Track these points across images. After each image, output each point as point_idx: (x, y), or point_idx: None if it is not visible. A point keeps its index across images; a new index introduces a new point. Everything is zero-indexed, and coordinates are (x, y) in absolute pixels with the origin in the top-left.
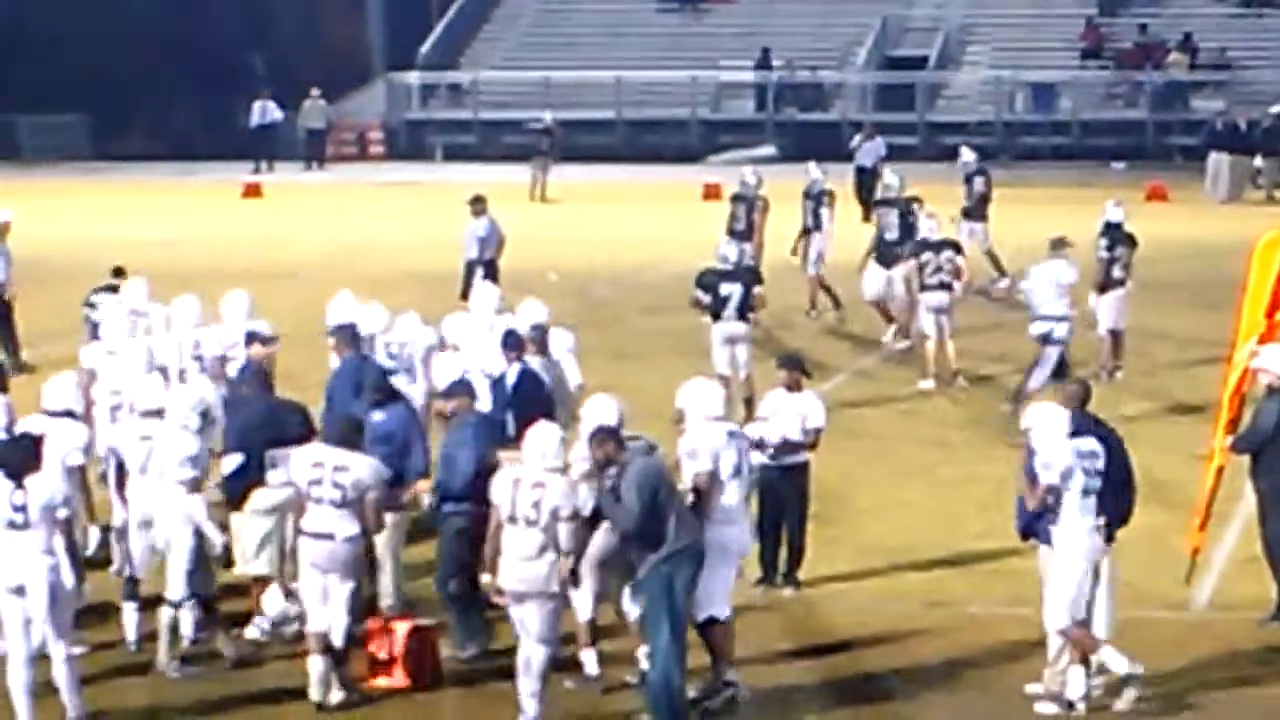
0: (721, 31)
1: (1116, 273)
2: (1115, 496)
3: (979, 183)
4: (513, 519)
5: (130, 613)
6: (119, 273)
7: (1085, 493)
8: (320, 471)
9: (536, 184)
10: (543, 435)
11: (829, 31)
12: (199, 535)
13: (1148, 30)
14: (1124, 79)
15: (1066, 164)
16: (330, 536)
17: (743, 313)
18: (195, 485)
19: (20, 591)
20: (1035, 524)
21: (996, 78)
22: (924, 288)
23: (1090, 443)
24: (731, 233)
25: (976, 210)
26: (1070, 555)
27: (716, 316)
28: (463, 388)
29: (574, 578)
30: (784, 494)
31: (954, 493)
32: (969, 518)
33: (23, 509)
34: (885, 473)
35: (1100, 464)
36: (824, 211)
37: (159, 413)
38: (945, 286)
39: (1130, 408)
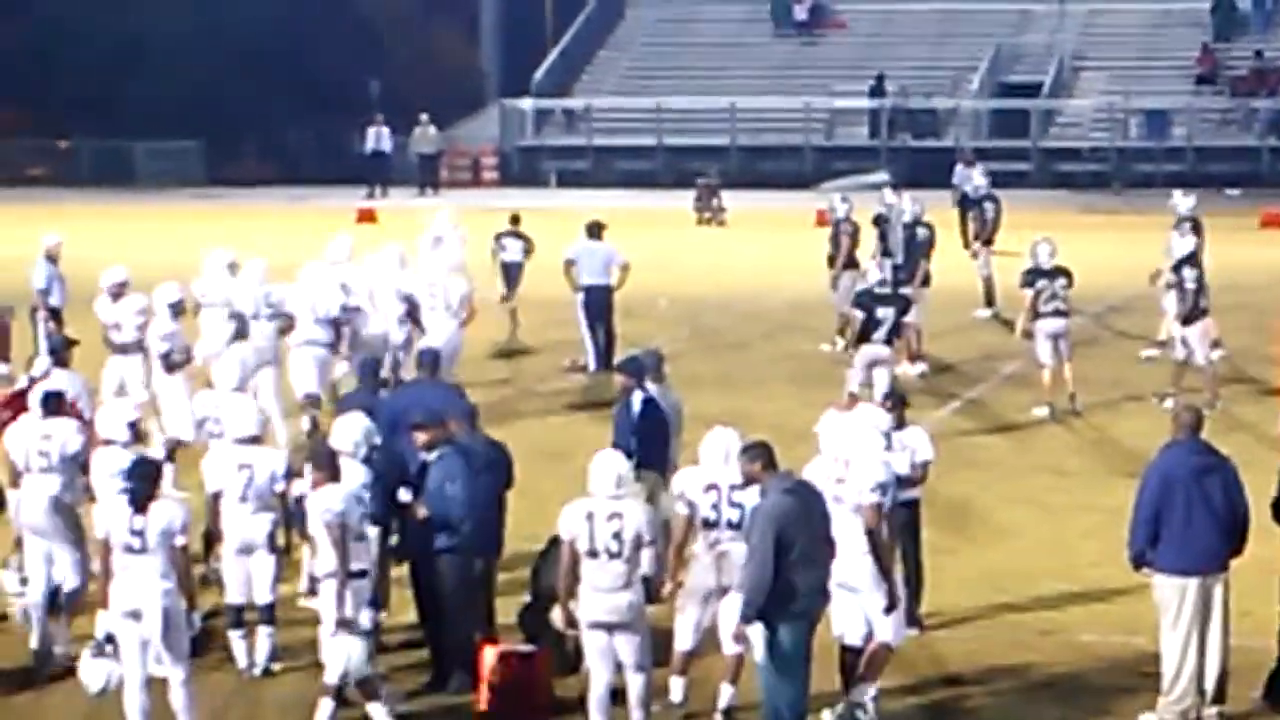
0: (835, 58)
1: (1202, 303)
2: (1229, 526)
3: (989, 208)
4: (593, 553)
5: (237, 640)
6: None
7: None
8: None
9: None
10: (609, 463)
11: (943, 58)
12: None
13: (1263, 56)
14: (1239, 105)
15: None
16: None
17: (890, 338)
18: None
19: (136, 616)
20: (1148, 552)
21: (1110, 104)
22: (1039, 315)
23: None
24: (886, 255)
25: (985, 235)
26: None
27: (865, 338)
28: (431, 418)
29: (655, 597)
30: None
31: (1067, 520)
32: (1082, 545)
33: (141, 534)
34: (998, 500)
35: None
36: (843, 240)
37: (255, 440)
38: (1061, 314)
39: (1242, 435)
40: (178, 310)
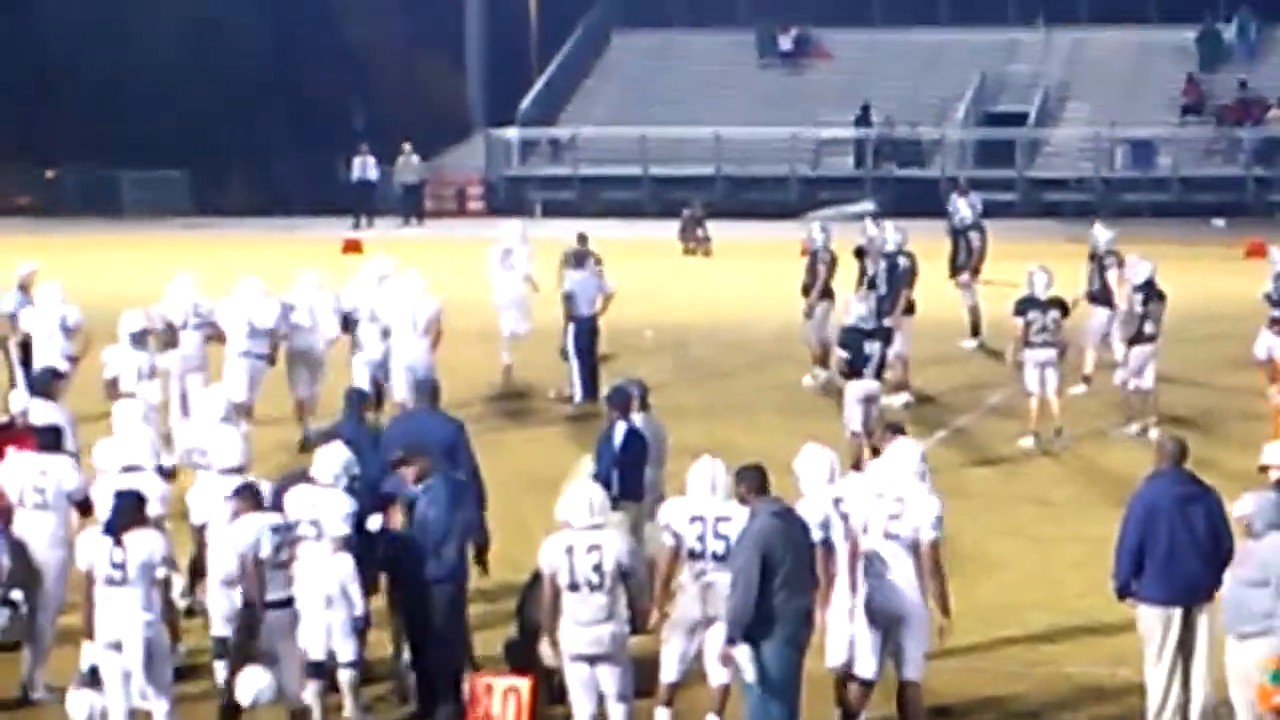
0: (821, 88)
1: (1148, 329)
2: (1213, 556)
3: (974, 238)
4: (574, 585)
5: (221, 670)
6: None
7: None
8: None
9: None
10: (583, 493)
11: (928, 88)
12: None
13: (1248, 86)
14: (1224, 135)
15: (1166, 221)
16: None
17: (879, 372)
18: (346, 544)
19: (118, 647)
20: (1132, 583)
21: (1096, 134)
22: (1029, 344)
23: None
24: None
25: (969, 266)
26: None
27: (856, 374)
28: (414, 450)
29: (640, 628)
30: None
31: (1054, 551)
32: (1068, 576)
33: (122, 566)
34: (985, 531)
35: None
36: (820, 270)
37: (240, 470)
38: (1050, 344)
39: (1233, 465)
40: (139, 339)
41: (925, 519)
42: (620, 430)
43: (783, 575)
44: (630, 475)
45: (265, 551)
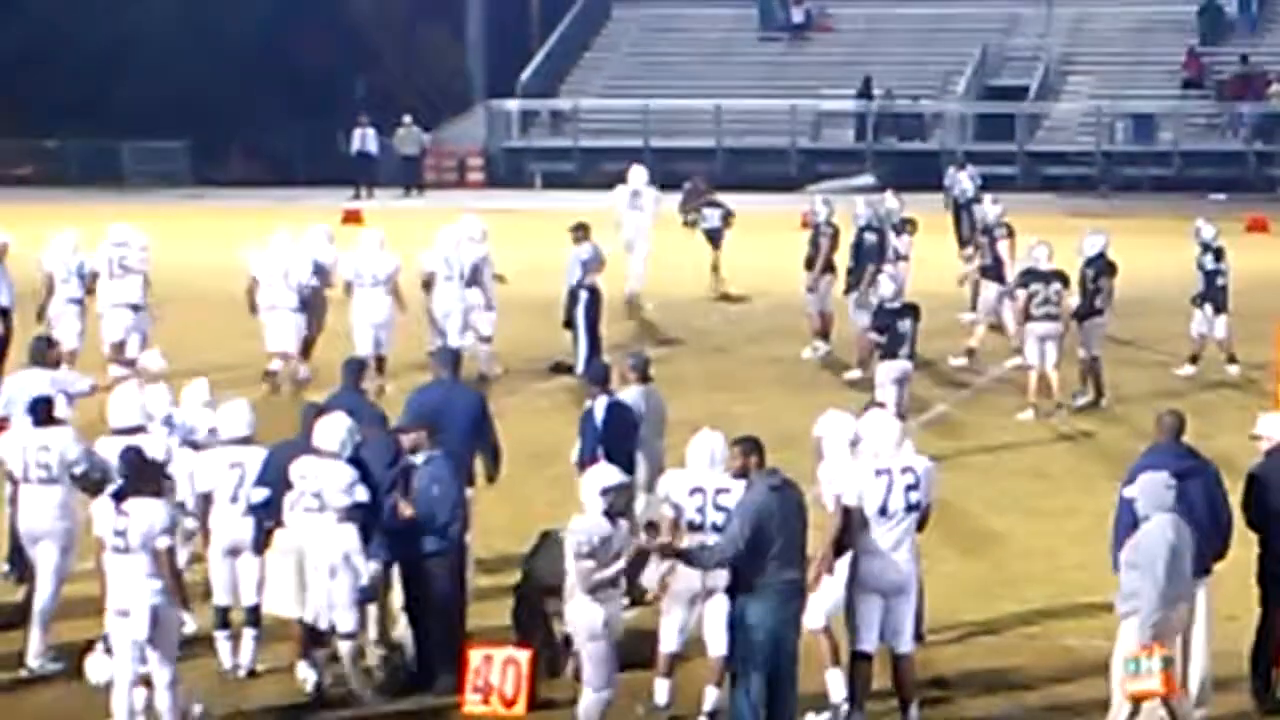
0: (822, 60)
1: (1098, 302)
2: (1211, 529)
3: (977, 211)
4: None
5: (222, 640)
6: None
7: None
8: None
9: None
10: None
11: (929, 61)
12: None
13: (1249, 60)
14: (1225, 109)
15: (1166, 195)
16: None
17: (912, 352)
18: (350, 514)
19: (126, 614)
20: None
21: (1097, 108)
22: (1030, 317)
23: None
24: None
25: (973, 240)
26: None
27: (891, 355)
28: (416, 421)
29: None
30: None
31: (1052, 525)
32: (1068, 550)
33: (124, 534)
34: (983, 504)
35: None
36: (823, 243)
37: (247, 440)
38: (1052, 317)
39: (1226, 439)
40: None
41: (926, 488)
42: (601, 406)
43: (776, 548)
44: (617, 451)
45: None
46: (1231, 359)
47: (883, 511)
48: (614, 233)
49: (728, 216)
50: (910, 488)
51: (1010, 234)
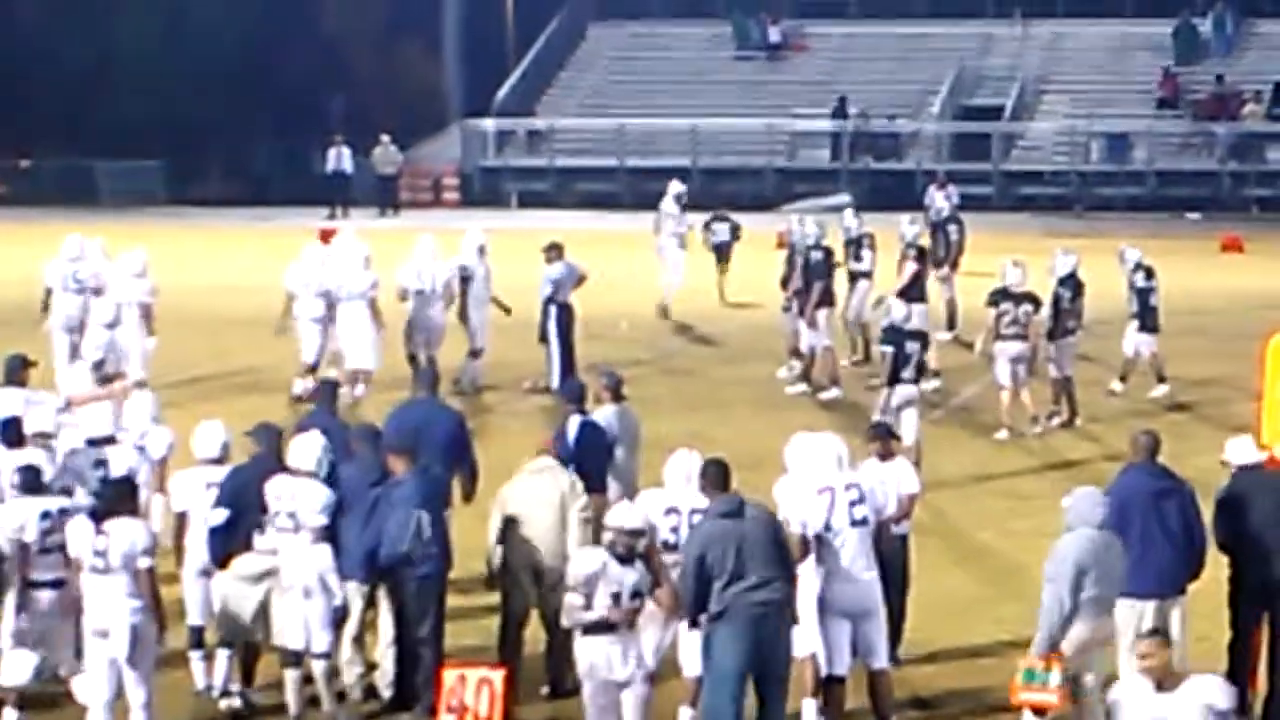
0: (798, 80)
1: (1070, 323)
2: (1186, 549)
3: (952, 231)
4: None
5: (196, 660)
6: None
7: None
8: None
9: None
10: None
11: (904, 81)
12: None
13: (1224, 80)
14: (1200, 129)
15: (1141, 214)
16: None
17: (917, 376)
18: (325, 534)
19: (105, 634)
20: None
21: (1072, 128)
22: (1000, 337)
23: None
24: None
25: (949, 259)
26: None
27: (896, 377)
28: (396, 439)
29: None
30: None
31: (1027, 544)
32: (1041, 568)
33: (104, 554)
34: (958, 524)
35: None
36: (797, 262)
37: (221, 460)
38: (1021, 337)
39: (1199, 460)
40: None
41: (888, 506)
42: (574, 425)
43: (729, 573)
44: (590, 469)
45: (30, 536)
46: (1160, 378)
47: (827, 528)
48: (662, 243)
49: (736, 230)
50: (854, 503)
51: (920, 256)
